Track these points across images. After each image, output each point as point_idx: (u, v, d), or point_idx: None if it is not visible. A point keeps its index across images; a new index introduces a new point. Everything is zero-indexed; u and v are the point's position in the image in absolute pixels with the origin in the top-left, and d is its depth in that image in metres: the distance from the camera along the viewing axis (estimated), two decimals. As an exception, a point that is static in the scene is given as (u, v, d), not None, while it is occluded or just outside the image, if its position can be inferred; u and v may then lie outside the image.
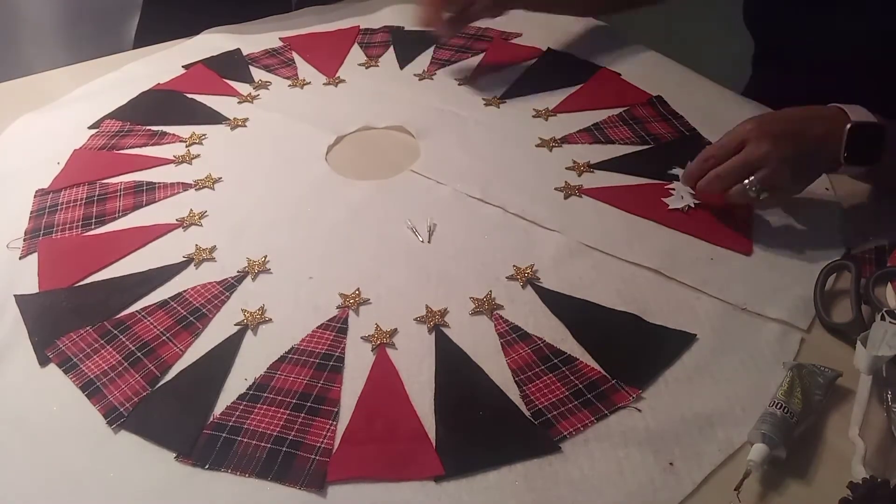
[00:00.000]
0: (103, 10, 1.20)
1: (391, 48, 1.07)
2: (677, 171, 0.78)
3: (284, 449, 0.53)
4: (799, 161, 0.67)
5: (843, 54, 0.71)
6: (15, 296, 0.66)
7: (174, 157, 0.85)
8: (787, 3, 0.86)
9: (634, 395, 0.56)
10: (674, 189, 0.77)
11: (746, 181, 0.67)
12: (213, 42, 1.09)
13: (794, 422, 0.52)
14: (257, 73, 1.02)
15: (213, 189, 0.80)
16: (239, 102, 0.95)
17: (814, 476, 0.51)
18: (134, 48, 1.13)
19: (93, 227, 0.75)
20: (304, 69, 1.03)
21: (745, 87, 1.01)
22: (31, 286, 0.68)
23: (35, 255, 0.71)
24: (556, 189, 0.78)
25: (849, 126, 0.65)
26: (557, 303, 0.65)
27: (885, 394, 0.54)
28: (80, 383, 0.58)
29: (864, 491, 0.47)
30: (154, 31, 1.14)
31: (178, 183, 0.81)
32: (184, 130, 0.90)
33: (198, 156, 0.85)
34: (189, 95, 0.97)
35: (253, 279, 0.68)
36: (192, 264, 0.70)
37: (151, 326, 0.63)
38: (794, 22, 0.81)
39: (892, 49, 0.75)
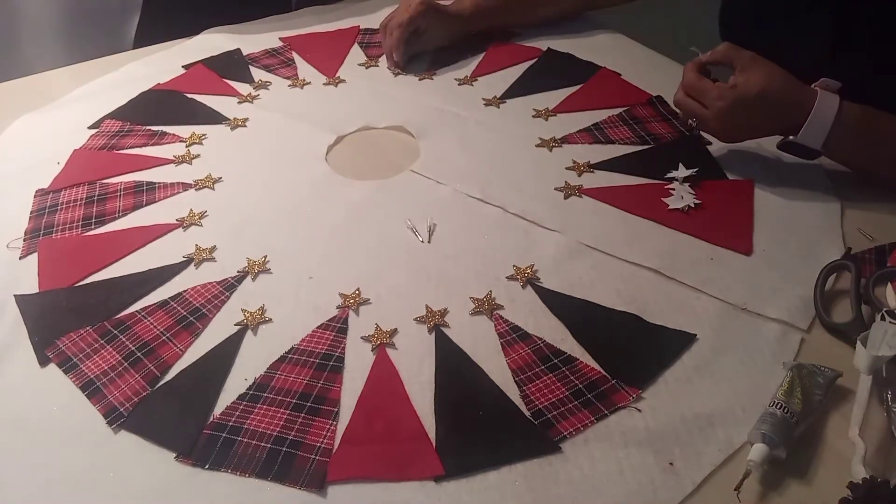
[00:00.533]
0: (103, 10, 1.20)
1: (391, 48, 1.07)
2: (675, 174, 0.78)
3: (284, 449, 0.53)
4: (739, 131, 0.78)
5: (812, 68, 0.72)
6: (15, 296, 0.66)
7: (174, 157, 0.85)
8: (759, 17, 0.90)
9: (634, 395, 0.56)
10: (674, 189, 0.77)
11: (692, 120, 0.79)
12: (213, 42, 1.09)
13: (794, 422, 0.52)
14: (257, 73, 1.02)
15: (213, 189, 0.80)
16: (239, 102, 0.96)
17: (814, 476, 0.51)
18: (134, 48, 1.13)
19: (93, 227, 0.75)
20: (304, 69, 1.03)
21: None
22: (31, 286, 0.68)
23: (35, 255, 0.71)
24: (555, 189, 0.78)
25: (788, 138, 0.74)
26: (557, 303, 0.65)
27: (885, 394, 0.54)
28: (80, 383, 0.58)
29: (864, 491, 0.47)
30: (154, 31, 1.14)
31: (178, 183, 0.81)
32: (184, 130, 0.90)
33: (198, 156, 0.85)
34: (189, 95, 0.97)
35: (253, 279, 0.68)
36: (192, 264, 0.70)
37: (151, 326, 0.63)
38: (764, 35, 0.83)
39: (860, 60, 0.78)
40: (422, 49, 1.03)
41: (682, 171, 0.78)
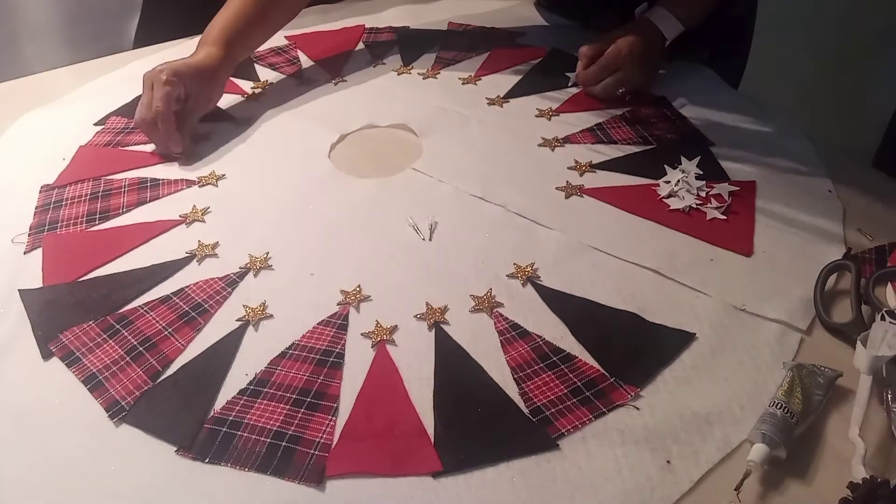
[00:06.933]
0: (103, 10, 1.20)
1: (396, 47, 1.08)
2: (671, 174, 0.78)
3: (284, 444, 0.54)
4: (652, 69, 0.95)
5: None
6: (19, 290, 0.67)
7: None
8: None
9: (633, 394, 0.56)
10: (659, 188, 0.77)
11: (621, 91, 0.92)
12: (217, 40, 1.09)
13: (795, 422, 0.52)
14: (262, 71, 1.02)
15: (217, 186, 0.81)
16: (244, 100, 0.96)
17: (814, 476, 0.51)
18: (134, 48, 1.13)
19: (97, 222, 0.75)
20: (309, 67, 1.03)
21: None
22: (35, 281, 0.68)
23: (39, 250, 0.72)
24: (557, 188, 0.78)
25: (668, 42, 0.93)
26: (557, 301, 0.65)
27: (885, 394, 0.54)
28: (82, 377, 0.59)
29: (864, 491, 0.47)
30: (154, 31, 1.14)
31: (181, 179, 0.81)
32: (188, 127, 0.90)
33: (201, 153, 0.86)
34: (193, 93, 0.97)
35: (255, 275, 0.69)
36: (195, 260, 0.70)
37: (153, 321, 0.64)
38: None
39: None
40: (192, 119, 0.85)
41: (674, 174, 0.78)
